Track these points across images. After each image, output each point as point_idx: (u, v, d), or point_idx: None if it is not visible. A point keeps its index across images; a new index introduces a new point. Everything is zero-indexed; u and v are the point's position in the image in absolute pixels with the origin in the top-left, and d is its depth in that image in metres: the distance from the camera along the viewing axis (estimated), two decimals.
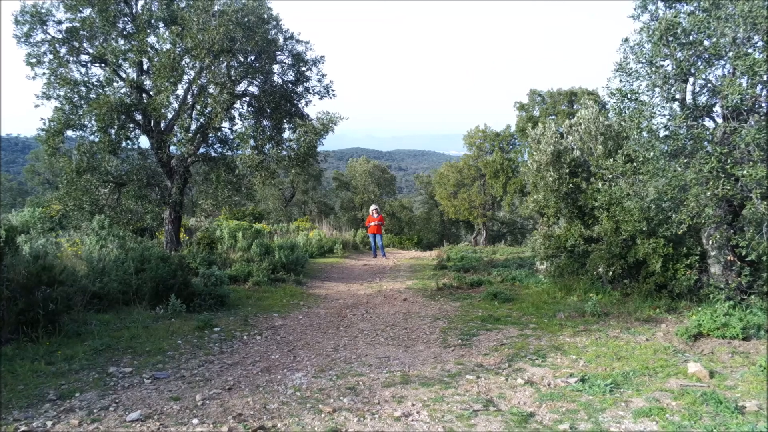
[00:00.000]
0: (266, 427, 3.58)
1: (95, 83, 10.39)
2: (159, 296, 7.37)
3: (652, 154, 7.08)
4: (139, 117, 10.50)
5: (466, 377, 4.85)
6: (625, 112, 7.15)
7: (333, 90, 10.64)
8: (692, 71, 6.66)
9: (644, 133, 7.01)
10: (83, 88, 10.25)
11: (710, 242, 7.26)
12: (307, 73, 10.53)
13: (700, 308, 6.77)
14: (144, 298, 7.42)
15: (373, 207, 17.31)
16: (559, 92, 24.64)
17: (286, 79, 10.47)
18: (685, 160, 6.80)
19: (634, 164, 7.37)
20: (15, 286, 5.49)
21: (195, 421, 3.67)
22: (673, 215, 7.04)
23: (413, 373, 4.98)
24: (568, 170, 9.21)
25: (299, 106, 10.55)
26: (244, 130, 9.87)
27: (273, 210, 29.77)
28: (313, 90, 10.60)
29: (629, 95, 7.22)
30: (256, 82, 10.51)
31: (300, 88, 10.58)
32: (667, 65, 6.97)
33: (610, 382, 4.57)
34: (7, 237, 6.22)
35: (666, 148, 7.06)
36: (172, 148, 11.06)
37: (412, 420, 3.81)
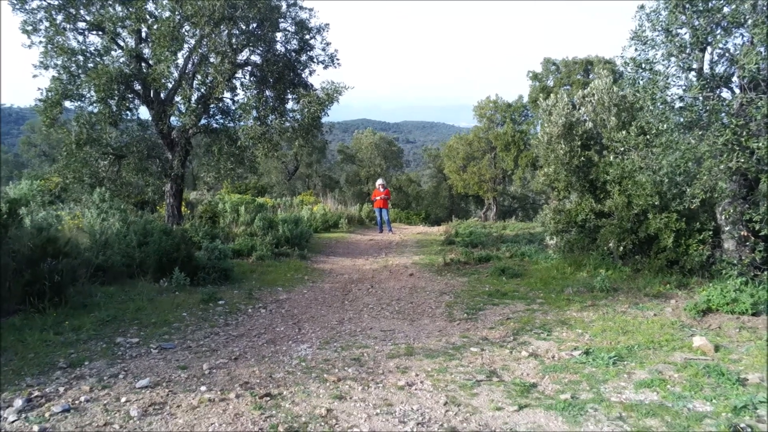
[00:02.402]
0: (272, 394, 3.80)
1: (93, 52, 10.48)
2: (162, 269, 7.60)
3: (665, 126, 7.15)
4: (138, 87, 10.61)
5: (470, 350, 5.05)
6: (639, 83, 7.19)
7: (338, 59, 10.69)
8: (709, 40, 6.67)
9: (658, 104, 7.06)
10: (81, 57, 10.34)
11: (723, 217, 7.36)
12: (311, 42, 10.56)
13: (711, 284, 6.92)
14: (147, 271, 7.66)
15: (379, 181, 17.43)
16: (574, 61, 24.41)
17: (289, 47, 10.52)
18: (700, 133, 6.87)
19: (647, 137, 7.44)
20: (20, 257, 5.71)
21: (203, 388, 3.90)
22: (687, 189, 7.13)
23: (418, 346, 5.19)
24: (579, 143, 9.28)
25: (303, 75, 10.62)
26: (246, 100, 9.96)
27: (276, 184, 29.97)
28: (317, 59, 10.65)
29: (644, 65, 7.26)
30: (258, 51, 10.56)
31: (304, 57, 10.63)
32: (684, 33, 6.98)
33: (613, 354, 4.76)
34: (10, 209, 6.43)
35: (681, 119, 7.12)
36: (173, 119, 11.20)
37: (416, 389, 4.02)
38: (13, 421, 3.24)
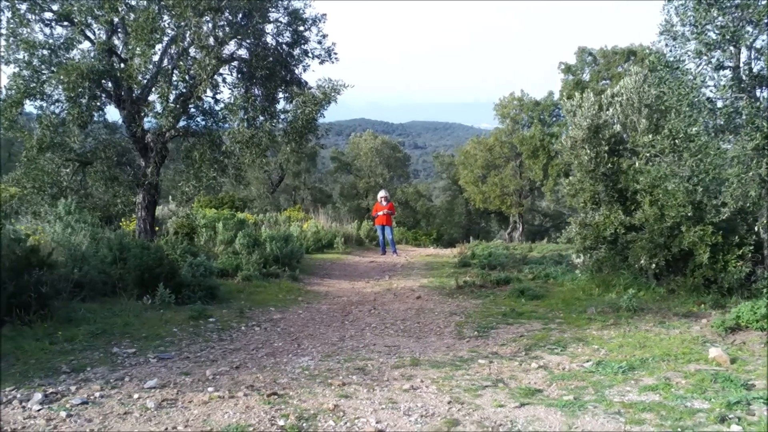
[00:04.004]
0: (279, 394, 4.87)
1: (59, 46, 11.70)
2: (144, 286, 8.69)
3: (694, 129, 8.28)
4: (109, 85, 11.82)
5: (478, 362, 6.13)
6: (664, 84, 8.35)
7: (335, 53, 11.93)
8: (738, 37, 7.82)
9: (685, 106, 8.20)
10: (45, 52, 11.56)
11: (758, 228, 8.45)
12: (306, 34, 11.80)
13: (746, 302, 7.98)
14: (126, 288, 8.75)
15: (381, 193, 18.56)
16: (614, 51, 25.75)
17: (281, 40, 11.76)
18: (730, 137, 8.01)
19: (675, 141, 8.57)
20: (3, 268, 6.82)
21: (210, 389, 4.97)
22: (715, 199, 8.24)
23: (424, 358, 6.27)
24: (606, 148, 10.42)
25: (296, 72, 11.83)
26: (233, 100, 11.15)
27: (257, 197, 31.19)
28: (312, 53, 11.88)
29: (672, 63, 8.42)
30: (246, 44, 11.80)
31: (297, 51, 11.85)
32: (712, 31, 8.15)
33: (624, 365, 5.82)
34: None
35: (711, 122, 8.26)
36: (147, 120, 12.36)
37: (421, 392, 5.09)
38: (38, 410, 4.31)
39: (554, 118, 27.60)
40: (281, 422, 4.23)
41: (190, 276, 9.28)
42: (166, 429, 4.07)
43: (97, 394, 4.70)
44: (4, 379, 4.92)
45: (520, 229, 30.28)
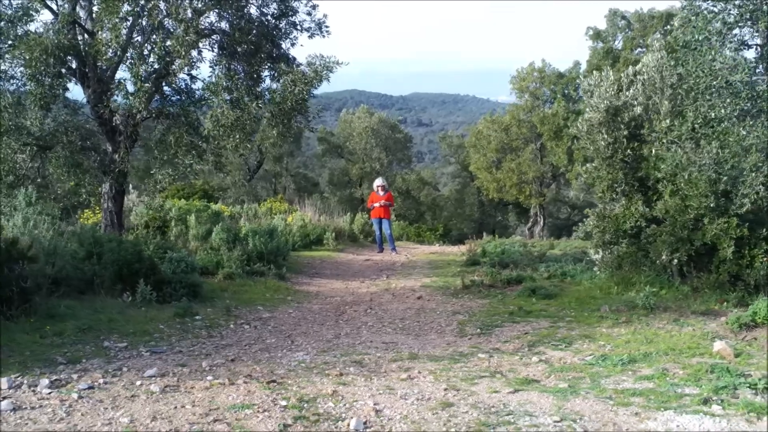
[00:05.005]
0: (278, 382, 6.10)
1: (14, 18, 12.87)
2: (123, 282, 9.91)
3: (713, 113, 9.50)
4: (74, 62, 13.00)
5: (478, 356, 7.37)
6: (682, 65, 9.56)
7: (327, 26, 13.13)
8: (753, 18, 9.03)
9: (704, 89, 9.40)
10: (1, 23, 12.73)
11: None
12: (294, 4, 12.98)
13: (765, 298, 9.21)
14: (102, 284, 9.95)
15: (378, 181, 19.66)
16: (651, 14, 26.90)
17: (266, 11, 12.94)
18: (751, 122, 9.22)
19: (694, 126, 9.78)
20: None
21: (209, 377, 6.20)
22: (738, 189, 9.46)
23: (422, 353, 7.51)
24: (626, 132, 11.63)
25: (282, 46, 13.02)
26: (215, 79, 12.34)
27: (231, 186, 32.38)
28: (301, 26, 13.07)
29: (689, 43, 9.63)
30: (226, 15, 12.97)
31: (284, 24, 13.03)
32: (732, 9, 9.37)
33: (626, 357, 7.05)
34: None
35: (732, 107, 9.46)
36: (116, 101, 13.51)
37: (418, 381, 6.32)
38: (49, 393, 5.52)
39: (580, 93, 28.68)
40: (283, 402, 5.45)
41: (171, 272, 10.49)
42: (176, 407, 5.28)
43: (100, 381, 5.92)
44: (7, 368, 6.13)
45: (541, 223, 31.50)
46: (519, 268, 14.77)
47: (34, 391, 5.58)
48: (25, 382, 5.78)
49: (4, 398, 5.32)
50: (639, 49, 26.50)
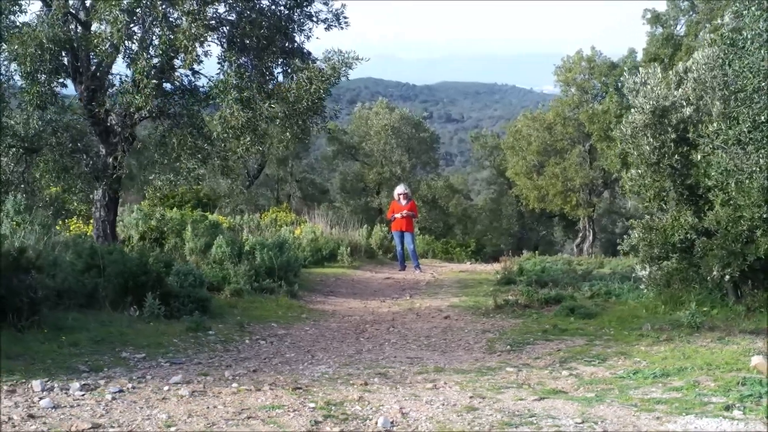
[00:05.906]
0: (303, 388, 7.39)
1: (8, 8, 14.27)
2: (128, 295, 11.23)
3: (763, 117, 10.68)
4: (69, 58, 14.37)
5: (506, 369, 8.64)
6: (728, 65, 10.76)
7: (345, 17, 14.42)
8: None
9: (751, 91, 10.58)
10: None
11: None
12: None
13: None
14: (106, 297, 11.26)
15: (399, 189, 20.73)
16: None
17: (279, 1, 14.25)
18: None
19: (741, 130, 10.95)
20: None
21: (234, 385, 7.49)
22: None
23: (448, 367, 8.78)
24: (674, 136, 12.80)
25: (297, 40, 14.34)
26: (223, 76, 13.64)
27: (229, 193, 33.60)
28: (317, 17, 14.38)
29: (735, 41, 10.82)
30: (235, 5, 14.27)
31: (297, 15, 14.34)
32: None
33: (659, 371, 8.28)
34: None
35: None
36: (108, 97, 14.84)
37: (443, 390, 7.58)
38: (82, 395, 6.83)
39: (625, 92, 29.27)
40: (311, 405, 6.74)
41: (178, 286, 11.81)
42: (208, 407, 6.57)
43: (128, 386, 7.23)
44: (34, 374, 7.45)
45: (591, 238, 32.38)
46: (559, 287, 15.90)
47: (66, 393, 6.88)
48: (56, 385, 7.08)
49: (41, 399, 6.63)
50: (708, 35, 27.43)
